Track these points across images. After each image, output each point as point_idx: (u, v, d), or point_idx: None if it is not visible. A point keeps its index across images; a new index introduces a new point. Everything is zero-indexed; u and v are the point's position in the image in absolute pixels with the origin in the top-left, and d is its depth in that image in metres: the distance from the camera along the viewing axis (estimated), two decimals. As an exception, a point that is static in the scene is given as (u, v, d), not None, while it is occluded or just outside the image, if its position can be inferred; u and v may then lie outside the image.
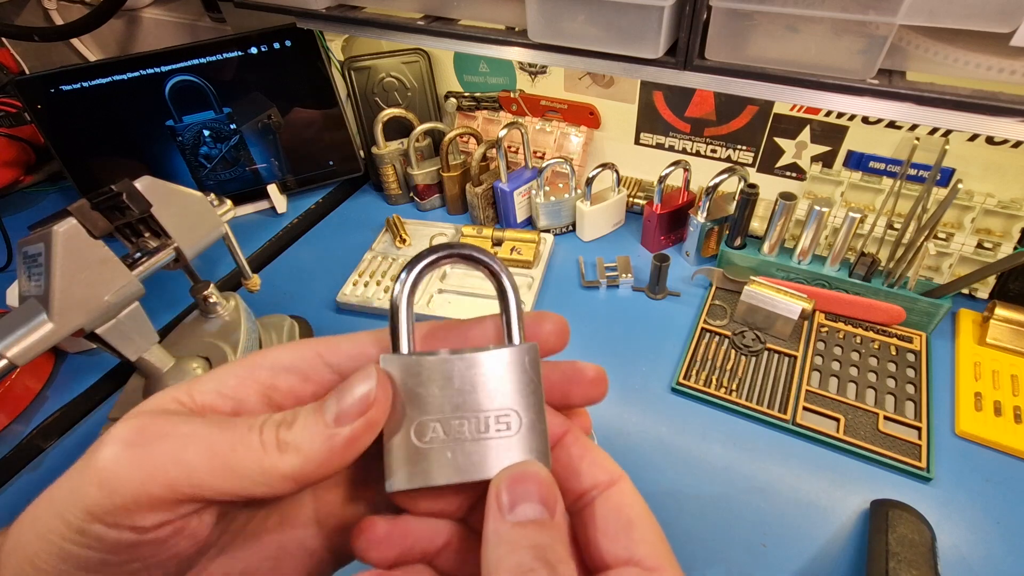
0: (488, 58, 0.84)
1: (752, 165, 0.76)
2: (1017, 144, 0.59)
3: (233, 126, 0.83)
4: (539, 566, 0.16)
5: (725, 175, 0.66)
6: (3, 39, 0.97)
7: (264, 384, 0.19)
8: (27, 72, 0.98)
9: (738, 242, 0.69)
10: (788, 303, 0.61)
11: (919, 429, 0.54)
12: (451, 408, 0.20)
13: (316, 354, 0.20)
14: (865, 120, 0.65)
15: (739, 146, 0.75)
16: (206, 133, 0.82)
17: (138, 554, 0.17)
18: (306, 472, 0.17)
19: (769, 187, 0.74)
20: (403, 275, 0.21)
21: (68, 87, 0.74)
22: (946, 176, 0.64)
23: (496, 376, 0.20)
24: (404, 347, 0.20)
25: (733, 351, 0.63)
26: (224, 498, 0.17)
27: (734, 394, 0.59)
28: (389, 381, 0.19)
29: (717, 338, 0.65)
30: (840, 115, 0.67)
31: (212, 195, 0.55)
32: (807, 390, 0.58)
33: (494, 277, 0.22)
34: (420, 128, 0.80)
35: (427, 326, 0.22)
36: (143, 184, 0.47)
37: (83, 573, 0.16)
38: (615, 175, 0.76)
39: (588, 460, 0.20)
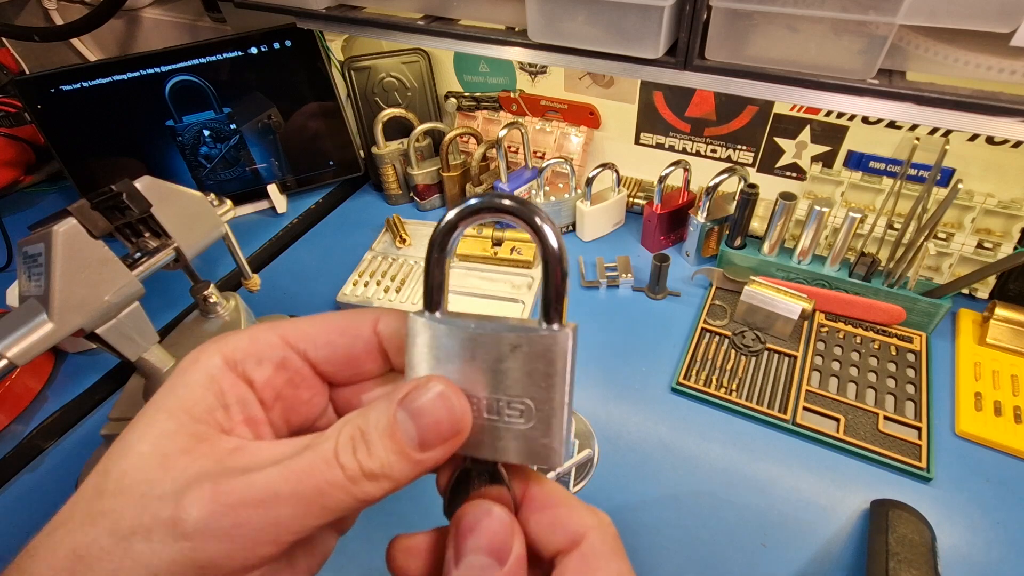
0: (488, 58, 0.84)
1: (752, 165, 0.76)
2: (1017, 144, 0.59)
3: (233, 126, 0.83)
4: None
5: (725, 175, 0.66)
6: (3, 39, 0.97)
7: (247, 378, 0.20)
8: (27, 72, 0.98)
9: (738, 242, 0.69)
10: (788, 303, 0.61)
11: (919, 429, 0.54)
12: (468, 383, 0.20)
13: (282, 341, 0.20)
14: (865, 120, 0.65)
15: (739, 146, 0.75)
16: (206, 133, 0.82)
17: None
18: (397, 488, 0.18)
19: (769, 187, 0.74)
20: (447, 222, 0.20)
21: (68, 87, 0.74)
22: (946, 176, 0.64)
23: (517, 362, 0.19)
24: (435, 306, 0.20)
25: (733, 351, 0.63)
26: (323, 525, 0.18)
27: (734, 394, 0.59)
28: (463, 398, 0.19)
29: (717, 338, 0.65)
30: (840, 115, 0.67)
31: (212, 195, 0.55)
32: (807, 390, 0.58)
33: (536, 234, 0.19)
34: (420, 128, 0.80)
35: None
36: (143, 184, 0.47)
37: None
38: (615, 175, 0.76)
39: (548, 523, 0.20)
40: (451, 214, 0.20)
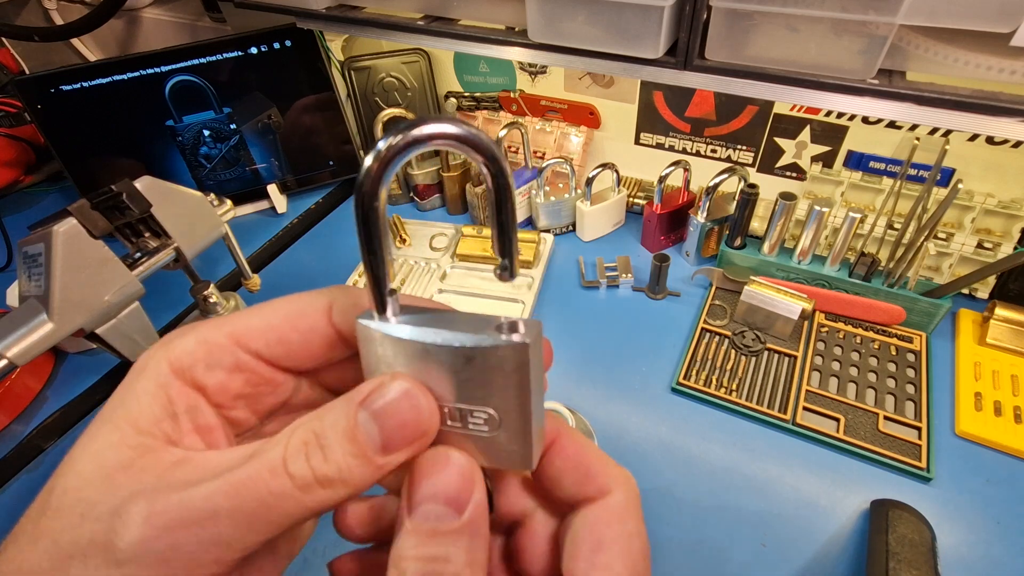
0: (488, 58, 0.84)
1: (752, 165, 0.76)
2: (1017, 144, 0.59)
3: (233, 126, 0.83)
4: None
5: (725, 175, 0.66)
6: (3, 39, 0.97)
7: (197, 385, 0.18)
8: (27, 72, 0.98)
9: (738, 242, 0.69)
10: (788, 303, 0.61)
11: (919, 429, 0.54)
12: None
13: (232, 342, 0.19)
14: (865, 120, 0.65)
15: (739, 146, 0.75)
16: (206, 133, 0.82)
17: None
18: (353, 495, 0.17)
19: (769, 187, 0.74)
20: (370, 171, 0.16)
21: (68, 87, 0.74)
22: (946, 176, 0.64)
23: (474, 373, 0.17)
24: (384, 307, 0.18)
25: (733, 351, 0.63)
26: (274, 538, 0.17)
27: (734, 394, 0.59)
28: (430, 397, 0.18)
29: (717, 338, 0.65)
30: (840, 115, 0.66)
31: (212, 195, 0.55)
32: (807, 390, 0.58)
33: (491, 171, 0.17)
34: (420, 128, 0.80)
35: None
36: (143, 184, 0.47)
37: None
38: (615, 175, 0.76)
39: (578, 472, 0.19)
40: (369, 160, 0.16)
